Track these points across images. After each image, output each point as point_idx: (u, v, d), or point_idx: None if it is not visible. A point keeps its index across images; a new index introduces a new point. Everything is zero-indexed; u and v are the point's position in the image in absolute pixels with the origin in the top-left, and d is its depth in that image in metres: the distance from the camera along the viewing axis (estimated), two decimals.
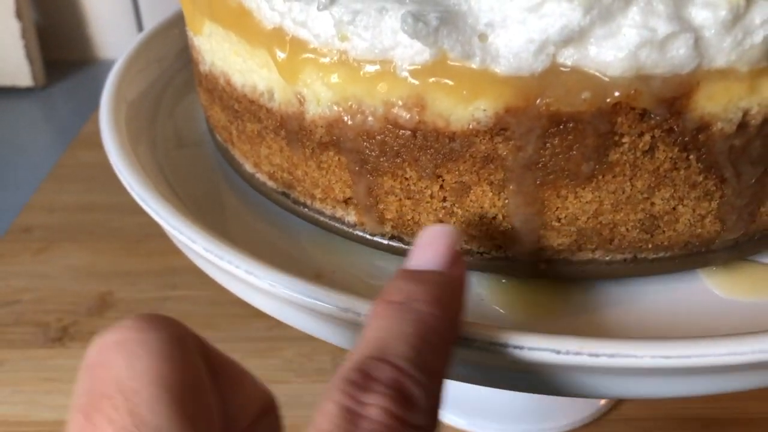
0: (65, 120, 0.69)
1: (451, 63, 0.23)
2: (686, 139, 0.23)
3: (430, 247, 0.22)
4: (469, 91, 0.23)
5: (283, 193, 0.31)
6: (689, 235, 0.26)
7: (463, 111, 0.23)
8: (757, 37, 0.21)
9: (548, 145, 0.24)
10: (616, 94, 0.22)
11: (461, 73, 0.23)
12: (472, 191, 0.26)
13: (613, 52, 0.21)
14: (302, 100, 0.27)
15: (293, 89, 0.27)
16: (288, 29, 0.26)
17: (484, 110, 0.23)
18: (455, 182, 0.25)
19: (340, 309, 0.23)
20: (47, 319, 0.47)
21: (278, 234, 0.31)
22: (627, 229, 0.26)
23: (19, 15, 0.69)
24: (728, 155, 0.24)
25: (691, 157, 0.24)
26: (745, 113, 0.23)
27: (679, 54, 0.21)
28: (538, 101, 0.23)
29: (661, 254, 0.27)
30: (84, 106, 0.70)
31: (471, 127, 0.24)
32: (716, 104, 0.23)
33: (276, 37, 0.26)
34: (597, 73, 0.22)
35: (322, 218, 0.29)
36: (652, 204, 0.25)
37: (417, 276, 0.21)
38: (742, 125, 0.23)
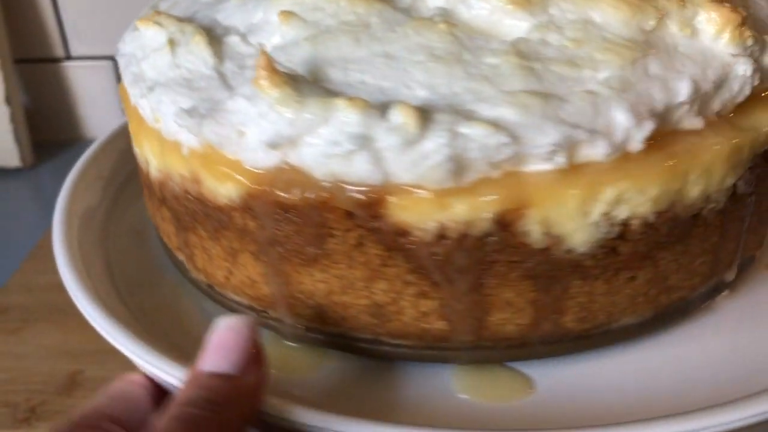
0: (52, 198, 0.64)
1: (213, 150, 0.29)
2: (389, 240, 0.28)
3: (220, 350, 0.26)
4: (224, 174, 0.29)
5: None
6: (418, 329, 0.30)
7: (223, 189, 0.30)
8: (433, 161, 0.26)
9: (282, 227, 0.29)
10: (323, 193, 0.27)
11: (219, 160, 0.29)
12: (240, 256, 0.31)
13: (314, 158, 0.27)
14: (147, 162, 0.34)
15: (142, 154, 0.34)
16: (140, 109, 0.33)
17: (236, 191, 0.29)
18: (228, 246, 0.31)
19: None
20: (16, 399, 0.47)
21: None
22: (358, 312, 0.30)
23: (9, 101, 0.71)
24: (433, 261, 0.28)
25: (398, 257, 0.28)
26: (441, 226, 0.27)
27: (363, 168, 0.26)
28: (268, 190, 0.28)
29: (400, 341, 0.31)
30: None
31: (228, 203, 0.30)
32: (410, 214, 0.27)
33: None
34: (307, 174, 0.27)
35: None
36: (373, 293, 0.29)
37: (200, 379, 0.25)
38: (441, 236, 0.27)
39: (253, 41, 0.31)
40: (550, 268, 0.28)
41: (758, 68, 0.30)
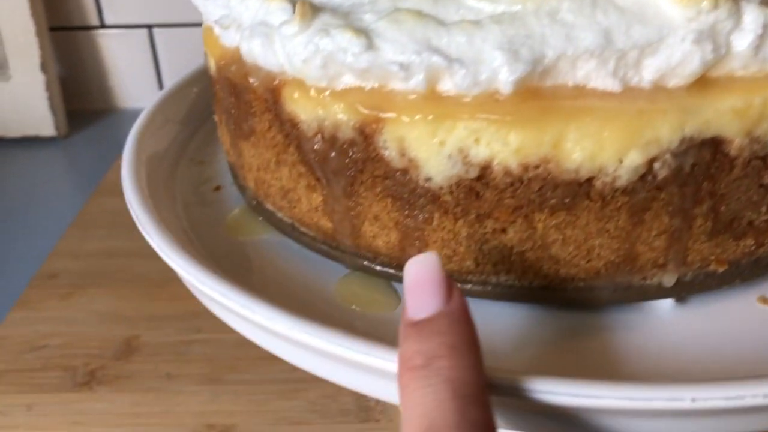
0: (87, 168, 0.69)
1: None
2: (287, 128, 0.31)
3: (421, 289, 0.23)
4: (210, 48, 0.34)
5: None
6: (312, 221, 0.33)
7: (211, 63, 0.35)
8: (304, 56, 0.28)
9: (231, 100, 0.33)
10: (251, 79, 0.31)
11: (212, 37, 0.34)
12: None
13: (240, 40, 0.31)
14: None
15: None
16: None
17: (213, 66, 0.34)
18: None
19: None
20: (74, 363, 0.47)
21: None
22: (275, 192, 0.34)
23: (44, 68, 0.72)
24: (313, 157, 0.30)
25: (293, 146, 0.31)
26: (318, 125, 0.29)
27: (267, 58, 0.30)
28: (222, 64, 0.33)
29: (306, 230, 0.34)
30: (105, 154, 0.69)
31: (212, 75, 0.35)
32: (297, 107, 0.30)
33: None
34: (238, 55, 0.32)
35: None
36: (281, 177, 0.33)
37: (424, 330, 0.22)
38: (319, 134, 0.29)
39: None
40: (410, 192, 0.28)
41: (716, 42, 0.25)
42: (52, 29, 0.75)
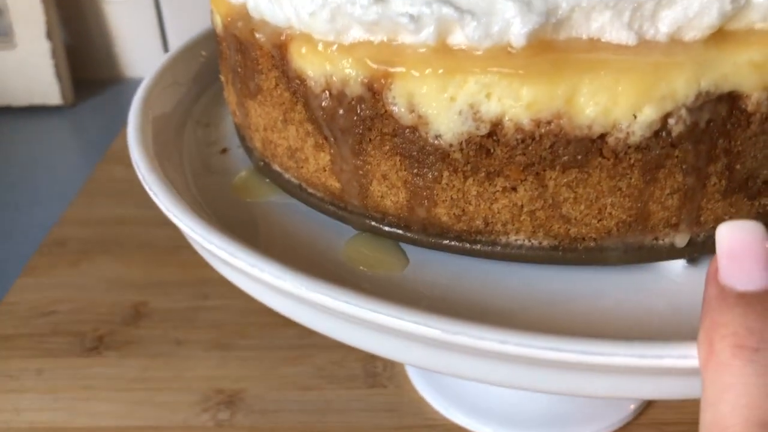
0: (94, 137, 0.69)
1: None
2: (294, 85, 0.30)
3: (748, 258, 0.20)
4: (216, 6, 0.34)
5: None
6: (320, 181, 0.32)
7: (216, 20, 0.34)
8: (311, 8, 0.27)
9: (237, 57, 0.33)
10: (254, 30, 0.31)
11: None
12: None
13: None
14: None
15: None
16: None
17: (219, 23, 0.33)
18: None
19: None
20: (84, 328, 0.48)
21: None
22: (282, 152, 0.33)
23: (50, 36, 0.72)
24: (321, 114, 0.30)
25: (299, 104, 0.31)
26: (326, 81, 0.29)
27: (274, 12, 0.29)
28: (229, 21, 0.32)
29: (313, 191, 0.33)
30: (112, 123, 0.70)
31: (218, 33, 0.34)
32: (304, 62, 0.29)
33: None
34: (244, 10, 0.31)
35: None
36: (288, 136, 0.32)
37: (758, 306, 0.19)
38: (327, 90, 0.29)
39: None
40: (419, 150, 0.28)
41: None
42: None
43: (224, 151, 0.40)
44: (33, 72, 0.74)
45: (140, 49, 0.78)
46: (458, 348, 0.24)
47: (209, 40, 0.44)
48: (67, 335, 0.48)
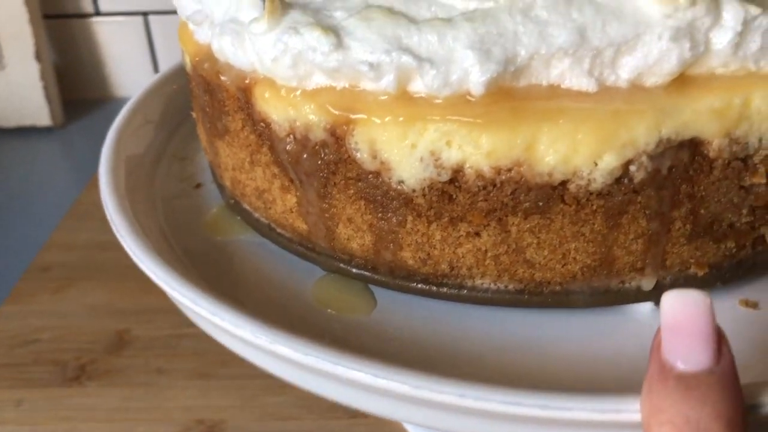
0: (83, 158, 0.67)
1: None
2: (260, 128, 0.30)
3: (689, 335, 0.19)
4: (185, 44, 0.34)
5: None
6: (288, 222, 0.32)
7: (187, 59, 0.34)
8: (273, 54, 0.27)
9: (205, 98, 0.33)
10: (219, 72, 0.31)
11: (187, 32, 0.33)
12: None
13: (211, 37, 0.30)
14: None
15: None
16: None
17: (188, 63, 0.34)
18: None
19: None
20: (65, 357, 0.47)
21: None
22: (250, 192, 0.33)
23: (39, 57, 0.70)
24: (287, 158, 0.30)
25: (265, 146, 0.30)
26: (290, 125, 0.29)
27: (238, 56, 0.29)
28: (197, 61, 0.32)
29: (282, 231, 0.33)
30: (101, 144, 0.68)
31: (188, 72, 0.34)
32: (270, 107, 0.29)
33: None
34: (211, 52, 0.31)
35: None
36: (255, 177, 0.32)
37: (694, 391, 0.19)
38: (291, 134, 0.29)
39: None
40: (383, 195, 0.28)
41: (694, 39, 0.25)
42: (46, 17, 0.74)
43: (198, 186, 0.40)
44: (22, 93, 0.73)
45: (130, 70, 0.77)
46: (418, 401, 0.24)
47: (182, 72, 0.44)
48: (48, 364, 0.47)
